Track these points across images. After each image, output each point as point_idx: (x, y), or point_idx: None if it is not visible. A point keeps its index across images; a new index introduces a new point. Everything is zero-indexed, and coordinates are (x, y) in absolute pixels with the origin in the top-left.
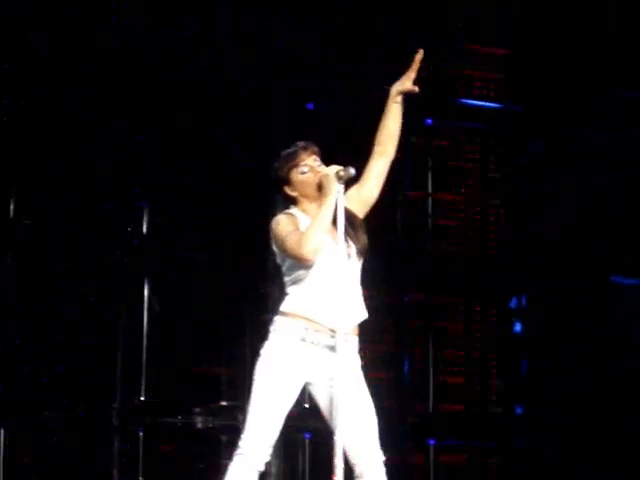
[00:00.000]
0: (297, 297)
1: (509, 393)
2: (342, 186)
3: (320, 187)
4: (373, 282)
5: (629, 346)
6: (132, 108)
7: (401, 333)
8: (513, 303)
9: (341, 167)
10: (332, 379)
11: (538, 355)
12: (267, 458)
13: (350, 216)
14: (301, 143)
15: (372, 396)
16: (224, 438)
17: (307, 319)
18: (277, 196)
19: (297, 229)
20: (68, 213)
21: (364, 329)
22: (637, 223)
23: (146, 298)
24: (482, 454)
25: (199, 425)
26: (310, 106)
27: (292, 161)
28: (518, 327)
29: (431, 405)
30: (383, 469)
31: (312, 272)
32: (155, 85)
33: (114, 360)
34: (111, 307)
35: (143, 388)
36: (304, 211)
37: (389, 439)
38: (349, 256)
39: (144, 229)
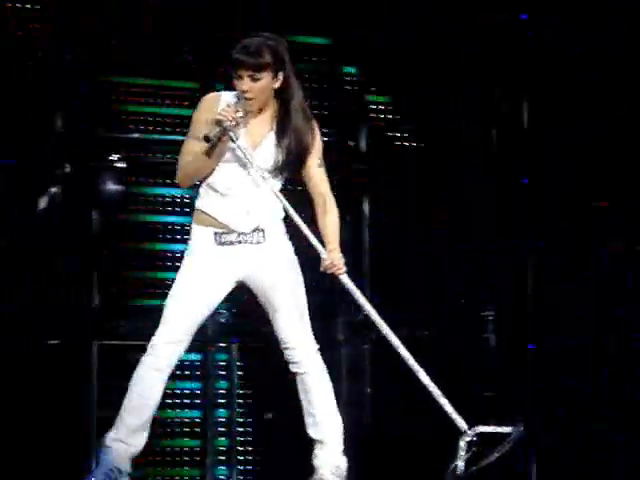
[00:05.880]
0: (207, 198)
1: None
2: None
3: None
4: None
5: None
6: None
7: None
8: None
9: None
10: (253, 272)
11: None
12: (178, 355)
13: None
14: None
15: None
16: None
17: (216, 220)
18: None
19: (200, 136)
20: None
21: None
22: None
23: None
24: None
25: None
26: None
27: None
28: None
29: None
30: (318, 357)
31: (220, 174)
32: None
33: None
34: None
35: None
36: (245, 107)
37: None
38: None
39: None
